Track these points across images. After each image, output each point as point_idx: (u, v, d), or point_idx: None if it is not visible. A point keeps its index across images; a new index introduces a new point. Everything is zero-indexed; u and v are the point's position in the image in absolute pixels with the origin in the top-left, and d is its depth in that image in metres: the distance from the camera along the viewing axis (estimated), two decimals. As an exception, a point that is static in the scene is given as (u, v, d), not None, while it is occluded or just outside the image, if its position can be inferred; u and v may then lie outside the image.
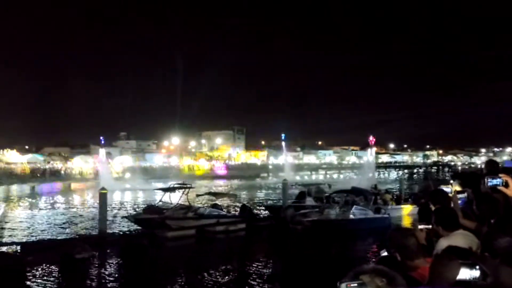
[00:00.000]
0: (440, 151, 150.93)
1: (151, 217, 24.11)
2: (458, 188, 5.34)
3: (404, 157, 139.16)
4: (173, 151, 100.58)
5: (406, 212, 28.72)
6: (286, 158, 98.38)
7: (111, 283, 15.70)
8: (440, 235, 3.97)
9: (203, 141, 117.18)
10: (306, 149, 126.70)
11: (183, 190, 28.11)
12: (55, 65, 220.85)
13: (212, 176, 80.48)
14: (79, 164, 77.37)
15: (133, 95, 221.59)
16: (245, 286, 15.35)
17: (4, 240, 23.16)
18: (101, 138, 78.03)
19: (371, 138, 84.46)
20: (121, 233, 24.24)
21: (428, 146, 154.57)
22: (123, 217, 27.71)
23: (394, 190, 41.29)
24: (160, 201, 28.40)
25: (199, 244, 22.82)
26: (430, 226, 4.14)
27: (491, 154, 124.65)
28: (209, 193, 34.89)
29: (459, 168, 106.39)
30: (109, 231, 23.49)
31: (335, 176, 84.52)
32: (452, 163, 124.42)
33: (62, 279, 16.05)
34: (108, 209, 24.61)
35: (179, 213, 24.95)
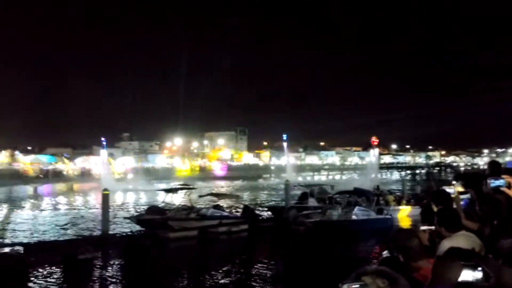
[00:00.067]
0: (443, 152, 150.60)
1: (154, 218, 24.13)
2: (460, 189, 5.34)
3: (406, 158, 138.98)
4: (176, 152, 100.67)
5: (405, 213, 28.60)
6: (288, 159, 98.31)
7: (113, 284, 15.71)
8: (443, 236, 3.96)
9: (206, 142, 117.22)
10: (308, 150, 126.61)
11: (185, 191, 28.09)
12: (55, 65, 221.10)
13: (211, 177, 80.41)
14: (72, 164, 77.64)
15: (133, 95, 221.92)
16: (248, 287, 15.34)
17: (7, 241, 23.19)
18: (103, 139, 78.05)
19: (373, 139, 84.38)
20: (123, 234, 24.24)
21: (430, 147, 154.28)
22: (125, 217, 27.72)
23: (397, 191, 41.21)
24: (162, 202, 28.42)
25: (202, 245, 22.82)
26: (433, 227, 4.13)
27: (493, 155, 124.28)
28: (211, 194, 34.80)
29: (462, 169, 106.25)
30: (111, 232, 23.53)
31: (337, 177, 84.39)
32: (455, 164, 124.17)
33: (65, 279, 16.06)
34: (110, 209, 24.65)
35: (181, 214, 24.97)
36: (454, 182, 5.80)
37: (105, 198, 23.84)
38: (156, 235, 22.49)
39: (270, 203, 39.25)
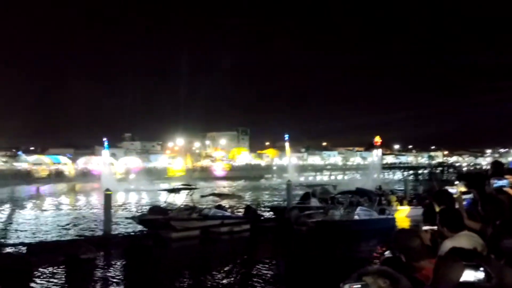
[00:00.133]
0: (445, 152, 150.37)
1: (156, 218, 24.15)
2: (463, 189, 5.33)
3: (409, 158, 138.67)
4: (178, 152, 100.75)
5: (404, 214, 28.52)
6: (290, 159, 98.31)
7: (115, 284, 15.72)
8: (445, 236, 3.95)
9: (207, 142, 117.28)
10: (311, 150, 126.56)
11: (188, 191, 28.14)
12: (55, 65, 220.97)
13: (212, 177, 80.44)
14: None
15: (134, 95, 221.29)
16: (249, 287, 15.34)
17: (9, 241, 23.25)
18: (104, 139, 78.16)
19: (376, 139, 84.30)
20: (125, 234, 24.27)
21: (433, 147, 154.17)
22: (127, 218, 27.75)
23: (399, 191, 41.14)
24: (164, 202, 28.45)
25: (204, 245, 22.83)
26: (435, 227, 4.12)
27: (496, 155, 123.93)
28: (214, 194, 34.92)
29: (464, 169, 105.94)
30: (113, 232, 23.56)
31: (339, 177, 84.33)
32: (457, 164, 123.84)
33: (67, 279, 16.09)
34: (112, 210, 24.69)
35: (183, 214, 24.99)
36: (456, 182, 5.79)
37: (107, 198, 23.87)
38: (158, 235, 22.51)
39: (272, 203, 39.25)
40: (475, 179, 5.84)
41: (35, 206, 40.61)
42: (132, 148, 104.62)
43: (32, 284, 15.24)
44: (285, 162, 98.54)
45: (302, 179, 75.10)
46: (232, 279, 16.35)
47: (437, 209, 4.47)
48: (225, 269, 17.34)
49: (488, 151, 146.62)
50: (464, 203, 4.98)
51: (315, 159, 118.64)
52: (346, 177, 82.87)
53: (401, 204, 30.25)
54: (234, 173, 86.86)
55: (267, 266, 17.91)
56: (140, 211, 32.44)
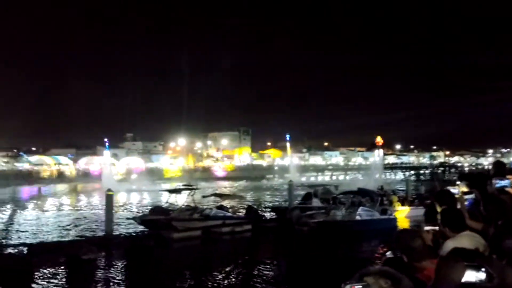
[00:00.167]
0: (447, 152, 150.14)
1: (157, 218, 24.17)
2: (465, 189, 5.31)
3: (410, 158, 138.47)
4: (180, 152, 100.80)
5: (403, 214, 28.49)
6: (291, 159, 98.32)
7: (117, 284, 15.72)
8: (447, 236, 3.94)
9: (209, 142, 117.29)
10: (312, 150, 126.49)
11: (189, 191, 28.13)
12: (55, 65, 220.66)
13: (213, 177, 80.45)
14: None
15: (134, 95, 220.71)
16: (251, 287, 15.33)
17: (11, 241, 23.27)
18: (106, 140, 78.26)
19: (378, 139, 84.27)
20: (127, 234, 24.28)
21: (434, 147, 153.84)
22: (128, 218, 27.76)
23: (401, 191, 41.12)
24: (166, 202, 28.46)
25: (205, 245, 22.84)
26: (437, 228, 4.11)
27: (498, 155, 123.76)
28: (215, 195, 34.82)
29: (466, 169, 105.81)
30: (115, 232, 23.56)
31: (341, 177, 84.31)
32: (459, 164, 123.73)
33: (69, 280, 16.10)
34: (113, 210, 24.71)
35: (185, 214, 24.99)
36: (458, 182, 5.76)
37: (109, 199, 23.90)
38: (159, 236, 22.51)
39: (274, 204, 39.26)
40: (477, 179, 5.81)
41: (36, 206, 40.65)
42: (133, 148, 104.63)
43: (33, 285, 15.24)
44: (287, 162, 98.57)
45: (303, 179, 75.10)
46: (234, 279, 16.35)
47: (439, 209, 4.46)
48: (227, 269, 17.34)
49: (490, 151, 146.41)
50: (466, 203, 4.96)
51: (316, 159, 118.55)
52: (347, 177, 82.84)
53: (403, 205, 30.24)
54: (236, 173, 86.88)
55: (268, 266, 17.92)
56: (141, 211, 32.47)
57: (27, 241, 23.00)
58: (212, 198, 32.55)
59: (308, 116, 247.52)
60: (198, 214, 25.01)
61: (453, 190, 5.08)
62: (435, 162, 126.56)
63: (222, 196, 33.53)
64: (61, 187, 63.21)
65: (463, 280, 2.37)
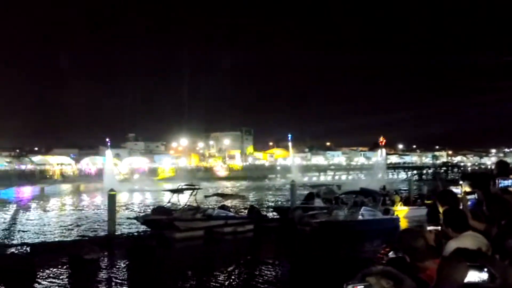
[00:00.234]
0: (450, 152, 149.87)
1: (160, 218, 24.18)
2: (468, 189, 5.29)
3: (413, 158, 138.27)
4: (182, 152, 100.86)
5: (401, 215, 28.43)
6: (293, 159, 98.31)
7: (119, 284, 15.73)
8: (449, 236, 3.92)
9: (211, 142, 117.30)
10: (314, 150, 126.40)
11: (191, 191, 28.16)
12: (55, 65, 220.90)
13: (215, 177, 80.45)
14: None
15: (134, 95, 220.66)
16: (253, 287, 15.33)
17: (13, 241, 23.32)
18: (107, 140, 78.26)
19: (381, 139, 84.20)
20: (129, 234, 24.29)
21: (437, 147, 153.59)
22: (129, 218, 27.78)
23: (403, 191, 41.09)
24: (168, 202, 28.49)
25: (207, 245, 22.84)
26: (439, 228, 4.10)
27: (501, 155, 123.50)
28: (217, 194, 34.96)
29: (469, 169, 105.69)
30: (117, 232, 23.58)
31: (343, 177, 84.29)
32: (462, 164, 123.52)
33: (71, 279, 16.12)
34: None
35: (187, 214, 25.01)
36: (461, 182, 5.75)
37: (111, 199, 23.91)
38: (162, 236, 22.52)
39: (276, 203, 39.27)
40: (479, 179, 5.80)
41: (39, 206, 40.73)
42: (136, 148, 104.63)
43: (35, 285, 15.26)
44: (289, 162, 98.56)
45: (306, 179, 75.09)
46: (236, 279, 16.34)
47: (441, 209, 4.44)
48: (229, 269, 17.34)
49: (493, 150, 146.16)
50: (469, 203, 4.94)
51: (318, 159, 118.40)
52: (350, 177, 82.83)
53: (405, 204, 30.24)
54: (238, 173, 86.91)
55: (270, 266, 17.91)
56: (143, 211, 32.50)
57: (30, 240, 23.05)
58: (215, 198, 32.66)
59: (309, 116, 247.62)
60: (200, 214, 25.03)
61: (456, 190, 5.07)
62: (438, 162, 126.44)
63: (224, 196, 33.67)
64: (64, 187, 63.33)
65: (465, 280, 2.37)
